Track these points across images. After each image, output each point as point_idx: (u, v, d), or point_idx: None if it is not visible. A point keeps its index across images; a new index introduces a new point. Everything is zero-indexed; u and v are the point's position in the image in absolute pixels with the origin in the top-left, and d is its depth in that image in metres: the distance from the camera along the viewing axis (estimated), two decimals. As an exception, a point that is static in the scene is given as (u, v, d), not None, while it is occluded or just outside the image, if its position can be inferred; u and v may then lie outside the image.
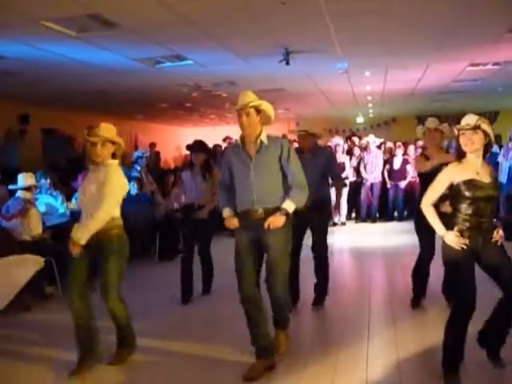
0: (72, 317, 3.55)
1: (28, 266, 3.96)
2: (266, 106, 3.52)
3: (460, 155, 3.26)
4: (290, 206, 3.45)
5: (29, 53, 6.57)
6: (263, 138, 3.51)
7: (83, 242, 3.43)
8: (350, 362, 3.57)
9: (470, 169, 3.24)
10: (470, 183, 3.21)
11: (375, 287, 5.72)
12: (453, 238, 3.19)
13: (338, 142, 10.69)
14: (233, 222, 3.57)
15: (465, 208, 3.24)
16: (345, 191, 10.47)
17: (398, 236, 8.76)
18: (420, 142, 11.31)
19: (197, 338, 4.14)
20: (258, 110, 3.48)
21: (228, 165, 3.66)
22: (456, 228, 3.22)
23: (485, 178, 3.23)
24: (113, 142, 3.62)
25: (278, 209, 3.43)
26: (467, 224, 3.22)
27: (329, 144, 11.05)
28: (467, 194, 3.21)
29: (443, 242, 3.29)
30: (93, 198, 3.53)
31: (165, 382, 3.46)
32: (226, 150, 3.84)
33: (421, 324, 4.28)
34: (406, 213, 10.72)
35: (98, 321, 3.66)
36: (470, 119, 3.20)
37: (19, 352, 4.00)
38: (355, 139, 12.14)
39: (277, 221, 3.39)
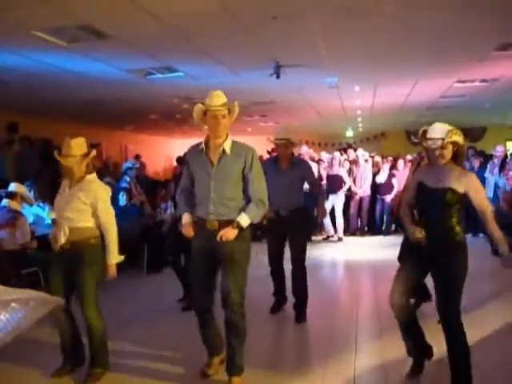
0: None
1: (45, 304, 3.91)
2: (237, 107, 3.36)
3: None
4: (244, 220, 3.28)
5: (19, 62, 6.56)
6: (226, 146, 3.31)
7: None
8: (337, 375, 3.56)
9: (433, 172, 3.16)
10: (419, 186, 3.20)
11: (363, 300, 5.72)
12: (415, 231, 3.13)
13: (333, 154, 10.70)
14: (189, 231, 3.42)
15: (417, 213, 3.27)
16: (341, 203, 10.45)
17: (385, 250, 8.78)
18: (409, 157, 11.41)
19: (187, 349, 4.11)
20: (229, 112, 3.32)
21: (189, 169, 3.48)
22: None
23: (444, 184, 3.09)
24: (85, 155, 3.59)
25: (232, 221, 3.28)
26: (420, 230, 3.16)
27: (319, 158, 11.10)
28: (416, 197, 3.23)
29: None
30: (75, 208, 3.54)
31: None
32: (187, 154, 3.56)
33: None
34: (393, 226, 10.76)
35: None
36: (438, 132, 3.06)
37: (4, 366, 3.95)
38: (351, 151, 12.09)
39: (228, 233, 3.24)
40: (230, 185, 3.30)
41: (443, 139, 3.02)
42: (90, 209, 3.55)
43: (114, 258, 3.60)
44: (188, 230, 3.43)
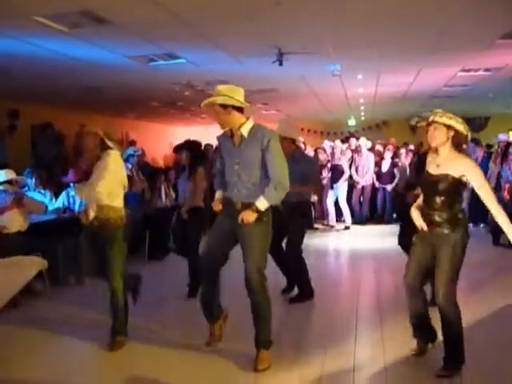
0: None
1: (29, 266, 3.98)
2: (223, 100, 3.36)
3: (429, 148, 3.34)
4: (262, 203, 3.38)
5: (20, 48, 6.50)
6: (244, 130, 3.43)
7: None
8: (336, 364, 3.58)
9: (431, 161, 3.28)
10: (425, 175, 3.30)
11: (364, 289, 5.74)
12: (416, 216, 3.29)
13: (336, 144, 10.70)
14: (216, 206, 3.64)
15: (420, 200, 3.36)
16: (344, 193, 10.43)
17: (386, 238, 8.79)
18: (412, 146, 11.36)
19: (188, 334, 4.13)
20: (224, 106, 3.38)
21: (220, 152, 3.72)
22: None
23: (443, 170, 3.16)
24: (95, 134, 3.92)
25: (252, 204, 3.41)
26: (423, 217, 3.28)
27: (322, 146, 11.03)
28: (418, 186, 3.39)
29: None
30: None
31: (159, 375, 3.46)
32: (218, 138, 3.74)
33: (408, 327, 4.28)
34: (394, 215, 10.77)
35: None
36: (431, 116, 3.24)
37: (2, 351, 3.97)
38: (353, 140, 12.04)
39: (248, 216, 3.37)
40: (252, 169, 3.42)
41: (429, 120, 3.17)
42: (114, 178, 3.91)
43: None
44: (216, 205, 3.64)
